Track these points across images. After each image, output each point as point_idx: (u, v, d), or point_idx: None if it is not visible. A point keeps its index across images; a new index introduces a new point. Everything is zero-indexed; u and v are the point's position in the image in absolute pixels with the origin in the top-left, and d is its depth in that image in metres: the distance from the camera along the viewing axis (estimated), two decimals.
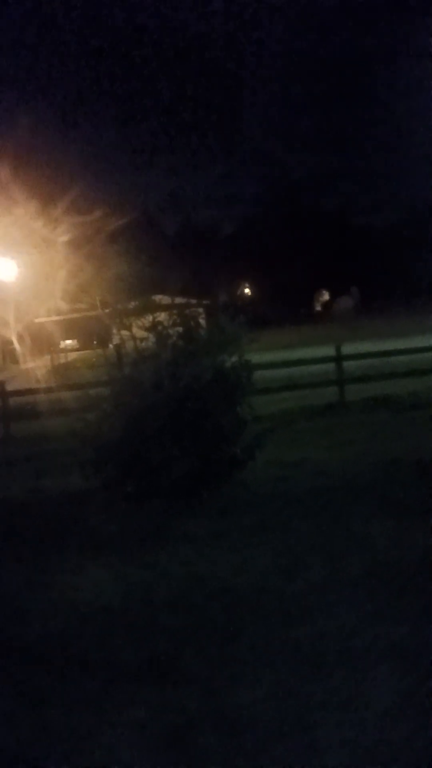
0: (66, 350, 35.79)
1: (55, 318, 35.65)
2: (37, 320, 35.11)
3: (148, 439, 5.71)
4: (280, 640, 3.39)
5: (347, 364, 11.35)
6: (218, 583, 4.15)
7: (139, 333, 7.74)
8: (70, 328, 37.80)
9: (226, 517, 5.33)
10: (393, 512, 5.05)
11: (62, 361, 30.40)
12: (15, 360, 36.89)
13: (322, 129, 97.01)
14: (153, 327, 6.67)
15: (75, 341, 41.46)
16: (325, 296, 71.51)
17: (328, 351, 11.80)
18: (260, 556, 4.49)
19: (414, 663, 3.07)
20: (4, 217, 26.13)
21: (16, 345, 34.14)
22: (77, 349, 39.09)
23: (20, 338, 31.00)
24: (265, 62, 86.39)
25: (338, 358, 11.15)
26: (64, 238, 28.10)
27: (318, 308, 70.23)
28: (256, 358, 6.69)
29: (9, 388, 11.42)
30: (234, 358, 6.23)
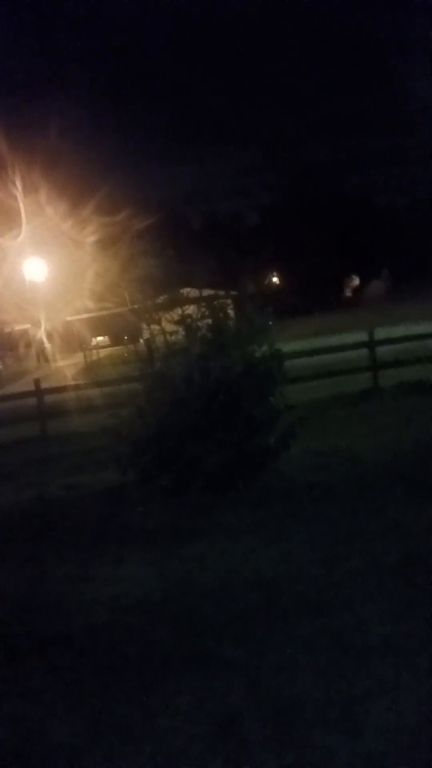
0: (97, 347, 36.15)
1: (85, 316, 36.01)
2: (68, 319, 35.53)
3: (182, 432, 5.74)
4: (321, 629, 3.39)
5: (380, 350, 11.20)
6: (257, 573, 4.17)
7: (168, 327, 7.74)
8: (100, 326, 38.13)
9: (262, 508, 5.33)
10: (430, 499, 4.99)
11: (94, 358, 30.72)
12: (48, 359, 37.45)
13: (341, 112, 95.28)
14: (182, 320, 6.68)
15: (106, 338, 41.80)
16: (356, 281, 70.62)
17: (360, 337, 11.66)
18: (298, 546, 4.48)
19: None
20: (34, 219, 26.44)
21: (48, 344, 34.62)
22: (108, 346, 39.41)
23: (52, 337, 31.41)
24: (282, 50, 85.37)
25: (371, 344, 11.02)
26: (92, 237, 28.31)
27: (348, 294, 69.41)
28: (286, 346, 6.66)
29: (44, 386, 11.60)
30: (264, 348, 6.21)
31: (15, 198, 24.84)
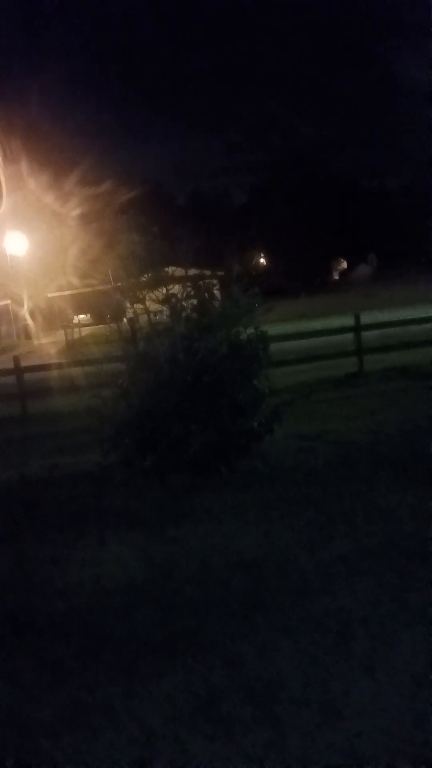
0: (79, 325, 35.77)
1: (67, 293, 35.58)
2: (49, 295, 35.09)
3: (166, 414, 5.67)
4: (302, 612, 3.39)
5: (366, 334, 11.19)
6: (240, 556, 4.15)
7: (152, 306, 7.65)
8: (82, 303, 37.69)
9: (246, 491, 5.30)
10: (414, 482, 5.00)
11: (76, 336, 30.43)
12: (29, 336, 37.00)
13: (329, 93, 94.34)
14: (166, 300, 6.58)
15: (88, 316, 41.37)
16: (343, 264, 70.56)
17: (346, 320, 11.65)
18: (281, 530, 4.47)
19: None
20: (14, 192, 25.92)
21: (29, 321, 34.21)
22: (91, 324, 39.04)
23: (33, 314, 31.04)
24: (270, 28, 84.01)
25: (357, 328, 11.00)
26: (74, 212, 27.87)
27: (335, 277, 69.40)
28: (272, 329, 6.60)
29: (24, 364, 11.44)
30: (250, 330, 6.14)
31: None
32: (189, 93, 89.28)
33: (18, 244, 31.45)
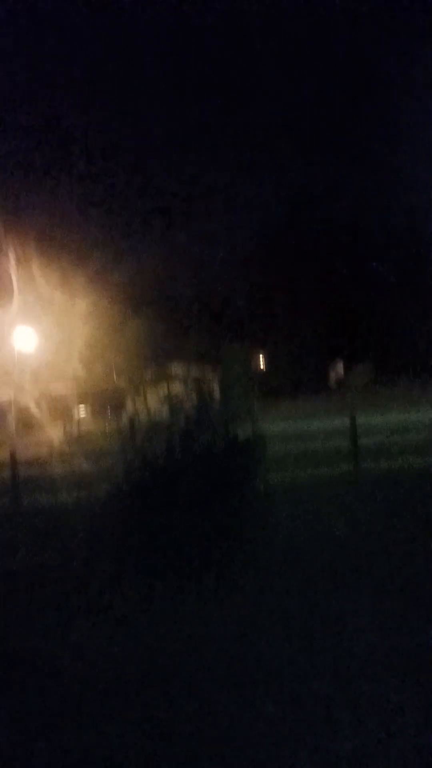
0: (79, 419, 35.89)
1: (70, 386, 36.02)
2: (52, 388, 35.48)
3: (158, 512, 5.56)
4: (295, 718, 3.15)
5: (363, 437, 11.17)
6: (226, 664, 3.91)
7: (153, 402, 7.73)
8: (84, 397, 38.08)
9: (236, 599, 5.10)
10: (399, 594, 4.85)
11: (75, 430, 30.43)
12: (28, 429, 37.03)
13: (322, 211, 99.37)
14: (167, 396, 6.64)
15: (89, 410, 41.63)
16: (340, 366, 71.87)
17: (344, 422, 11.67)
18: (272, 640, 4.26)
19: None
20: (25, 288, 26.95)
21: (30, 414, 34.36)
22: (91, 418, 39.20)
23: (35, 406, 31.26)
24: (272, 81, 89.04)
25: (354, 432, 10.99)
26: (83, 308, 28.81)
27: (333, 378, 70.46)
28: (270, 428, 6.60)
29: (20, 457, 11.34)
30: (248, 429, 6.15)
31: (8, 270, 25.40)
32: (200, 202, 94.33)
33: (26, 339, 32.23)
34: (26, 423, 36.75)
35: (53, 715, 3.61)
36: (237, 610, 4.89)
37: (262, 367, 65.58)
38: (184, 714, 3.46)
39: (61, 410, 37.75)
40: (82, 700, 3.75)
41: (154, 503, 5.59)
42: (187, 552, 5.39)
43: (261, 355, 68.25)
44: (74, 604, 5.33)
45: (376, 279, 64.94)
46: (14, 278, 26.58)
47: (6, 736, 3.44)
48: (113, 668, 4.11)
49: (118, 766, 3.07)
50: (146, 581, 5.47)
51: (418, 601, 4.76)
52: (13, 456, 10.90)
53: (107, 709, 3.62)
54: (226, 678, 3.82)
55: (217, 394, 7.38)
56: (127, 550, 5.66)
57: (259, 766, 2.98)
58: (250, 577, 5.59)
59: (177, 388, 7.08)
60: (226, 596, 5.15)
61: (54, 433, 30.26)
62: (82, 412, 40.69)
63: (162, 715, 3.48)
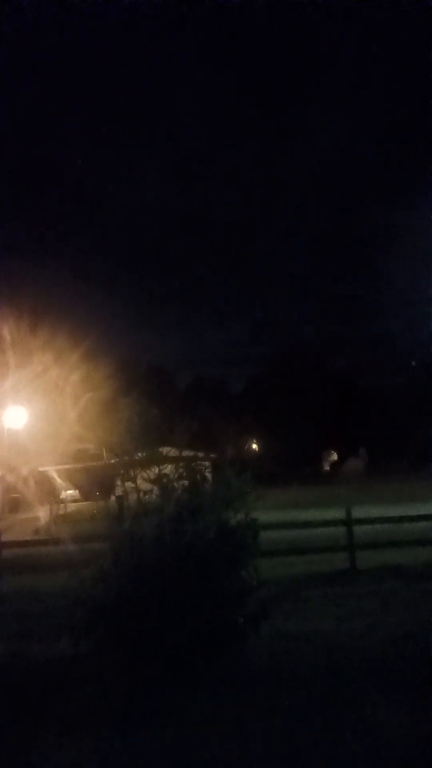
0: (66, 501, 35.14)
1: (59, 467, 35.54)
2: (40, 469, 34.98)
3: (145, 599, 5.32)
4: None
5: (357, 529, 10.94)
6: None
7: (143, 485, 7.59)
8: (73, 478, 37.51)
9: (222, 695, 4.78)
10: (405, 697, 4.56)
11: (62, 511, 29.71)
12: (15, 509, 36.20)
13: (329, 294, 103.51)
14: (158, 479, 6.53)
15: (77, 491, 40.87)
16: (333, 456, 71.67)
17: (337, 513, 11.48)
18: (259, 747, 3.96)
19: None
20: (17, 368, 27.16)
21: (17, 493, 33.72)
22: (78, 500, 38.42)
23: (22, 486, 30.71)
24: (272, 236, 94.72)
25: (348, 522, 10.77)
26: (75, 390, 28.93)
27: (326, 468, 70.06)
28: (263, 516, 6.45)
29: (4, 538, 11.02)
30: (240, 515, 6.00)
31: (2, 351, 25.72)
32: (196, 290, 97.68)
33: (17, 418, 32.10)
34: (13, 502, 35.99)
35: None
36: (225, 706, 4.56)
37: (256, 453, 65.25)
38: None
39: (49, 490, 37.08)
40: None
41: (141, 589, 5.36)
42: (172, 641, 5.12)
43: (255, 442, 68.11)
44: (52, 697, 5.00)
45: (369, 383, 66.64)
46: (6, 357, 26.87)
47: None
48: None
49: None
50: (126, 676, 5.16)
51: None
52: None
53: None
54: None
55: (210, 479, 7.27)
56: (110, 641, 5.38)
57: None
58: (238, 670, 5.28)
59: (169, 470, 6.98)
60: (212, 689, 4.84)
61: (41, 513, 29.57)
62: (70, 491, 39.96)
63: None
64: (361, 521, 11.29)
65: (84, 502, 35.61)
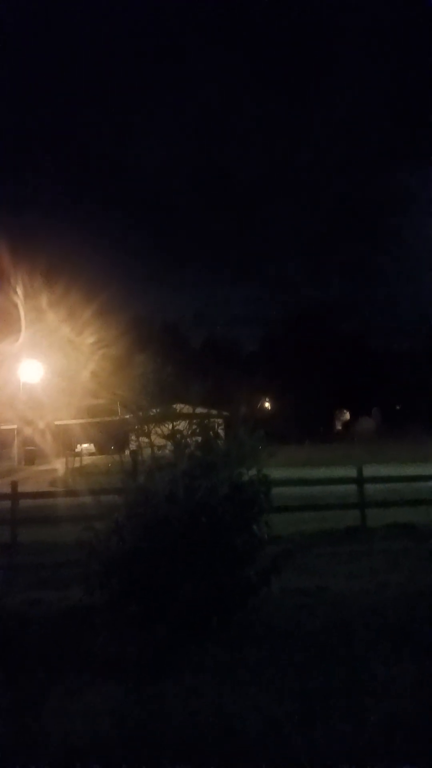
0: (82, 454, 35.69)
1: (74, 421, 35.95)
2: (56, 423, 35.41)
3: (158, 554, 5.41)
4: None
5: (369, 487, 11.01)
6: (224, 723, 3.73)
7: (157, 441, 7.65)
8: (88, 432, 37.97)
9: (235, 650, 4.89)
10: (415, 654, 4.63)
11: (77, 465, 30.23)
12: (31, 461, 36.86)
13: (343, 256, 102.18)
14: (172, 435, 6.56)
15: (92, 445, 41.45)
16: (346, 416, 71.68)
17: (349, 472, 11.53)
18: (270, 698, 4.05)
19: None
20: (33, 323, 27.19)
21: (33, 446, 34.23)
22: (93, 454, 38.99)
23: (38, 440, 31.17)
24: (288, 198, 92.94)
25: (360, 481, 10.84)
26: (90, 345, 28.98)
27: (338, 427, 70.16)
28: (275, 473, 6.49)
29: (21, 489, 11.22)
30: (252, 472, 6.03)
31: (16, 305, 25.71)
32: (211, 250, 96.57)
33: (33, 372, 32.34)
34: (30, 454, 36.61)
35: None
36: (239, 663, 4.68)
37: (269, 411, 65.42)
38: None
39: (64, 443, 37.62)
40: None
41: (154, 543, 5.45)
42: (185, 595, 5.23)
43: (268, 401, 68.22)
44: (68, 645, 5.15)
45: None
46: (22, 312, 26.87)
47: None
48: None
49: None
50: (141, 629, 5.29)
51: None
52: (14, 487, 10.78)
53: None
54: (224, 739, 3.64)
55: (222, 436, 7.29)
56: (123, 594, 5.49)
57: None
58: (250, 625, 5.40)
59: (182, 427, 7.00)
60: (225, 644, 4.96)
61: (57, 466, 30.06)
62: (86, 445, 40.51)
63: None
64: (372, 480, 11.35)
65: (98, 456, 36.14)
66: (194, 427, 6.98)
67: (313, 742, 3.49)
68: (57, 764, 3.39)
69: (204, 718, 3.83)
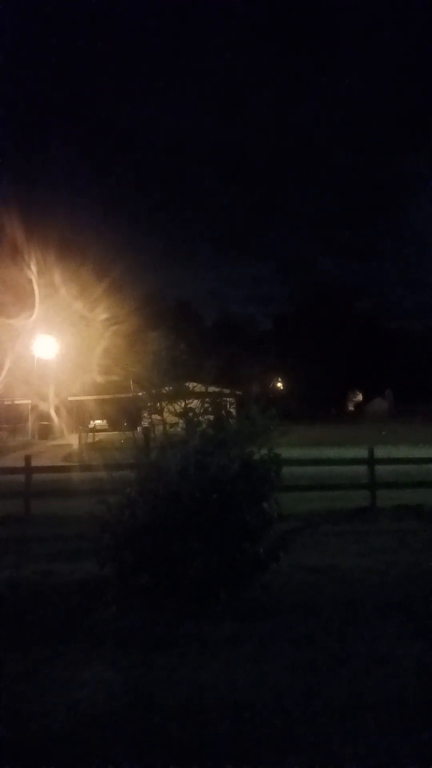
0: (95, 429, 35.97)
1: (87, 397, 36.18)
2: (70, 398, 35.66)
3: (170, 529, 5.49)
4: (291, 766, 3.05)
5: (379, 469, 11.03)
6: (229, 696, 3.82)
7: (169, 418, 7.75)
8: (101, 408, 38.22)
9: (243, 624, 4.98)
10: (422, 632, 4.68)
11: (90, 440, 30.51)
12: (45, 436, 37.21)
13: (358, 235, 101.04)
14: (184, 413, 6.60)
15: (105, 421, 41.76)
16: (359, 396, 71.41)
17: (360, 452, 11.54)
18: (277, 671, 4.14)
19: None
20: (47, 299, 27.25)
21: (47, 421, 34.54)
22: (106, 429, 39.28)
23: (52, 415, 31.42)
24: (302, 177, 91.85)
25: (371, 462, 10.85)
26: (104, 322, 29.02)
27: (351, 408, 69.97)
28: (285, 452, 6.52)
29: (35, 464, 11.37)
30: (263, 451, 6.07)
31: (30, 280, 25.73)
32: (225, 228, 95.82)
33: (47, 347, 32.50)
34: (44, 429, 36.94)
35: None
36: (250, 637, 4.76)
37: (281, 391, 65.36)
38: None
39: (77, 418, 37.87)
40: None
41: (165, 518, 5.53)
42: (195, 569, 5.31)
43: (280, 380, 68.14)
44: (79, 616, 5.27)
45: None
46: (36, 287, 26.92)
47: None
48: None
49: None
50: (151, 601, 5.40)
51: None
52: (28, 461, 10.93)
53: None
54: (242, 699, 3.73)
55: (234, 414, 7.33)
56: (134, 567, 5.59)
57: None
58: (259, 600, 5.49)
59: (195, 404, 7.04)
60: (233, 618, 5.06)
61: (70, 440, 30.35)
62: (98, 421, 40.79)
63: None
64: (383, 461, 11.37)
65: (111, 432, 36.38)
66: (206, 405, 7.01)
67: (315, 714, 3.57)
68: (65, 733, 3.49)
69: (211, 688, 3.92)
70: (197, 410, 6.76)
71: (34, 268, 26.43)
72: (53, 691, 3.95)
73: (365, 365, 66.52)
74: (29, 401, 35.99)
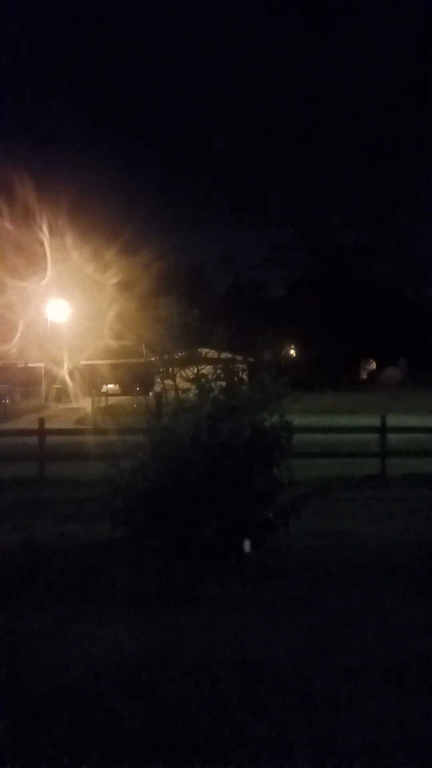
0: (107, 394, 36.21)
1: (100, 362, 36.29)
2: (82, 362, 35.79)
3: (181, 493, 5.57)
4: (300, 727, 3.14)
5: (390, 437, 11.04)
6: (239, 655, 3.92)
7: (182, 384, 7.76)
8: (114, 373, 38.36)
9: (254, 585, 5.08)
10: (428, 599, 4.75)
11: (103, 404, 30.74)
12: (58, 399, 37.55)
13: (373, 202, 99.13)
14: (196, 379, 6.62)
15: (117, 386, 42.00)
16: (372, 365, 71.03)
17: (372, 420, 11.55)
18: (286, 632, 4.23)
19: None
20: (58, 262, 27.12)
21: (59, 384, 34.79)
22: (119, 394, 39.52)
23: (64, 378, 31.59)
24: (321, 143, 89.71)
25: (382, 430, 10.87)
26: (116, 286, 28.88)
27: (364, 376, 69.70)
28: (297, 420, 6.54)
29: (48, 426, 11.49)
30: (275, 418, 6.10)
31: (42, 242, 25.57)
32: (241, 192, 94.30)
33: (59, 311, 32.52)
34: (57, 392, 37.24)
35: None
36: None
37: (294, 358, 65.16)
38: None
39: (90, 382, 38.08)
40: None
41: (177, 482, 5.60)
42: (206, 532, 5.40)
43: (293, 347, 67.87)
44: (93, 576, 5.40)
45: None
46: (48, 251, 26.78)
47: None
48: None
49: None
50: (162, 562, 5.50)
51: None
52: (41, 423, 11.05)
53: None
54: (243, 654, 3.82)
55: (246, 381, 7.34)
56: (147, 529, 5.70)
57: None
58: (269, 563, 5.58)
59: (207, 371, 7.05)
60: (243, 580, 5.16)
61: (83, 404, 30.60)
62: (111, 385, 41.00)
63: None
64: (394, 429, 11.37)
65: (124, 397, 36.60)
66: (219, 371, 7.02)
67: (323, 674, 3.67)
68: (79, 688, 3.60)
69: (220, 648, 4.03)
70: (210, 376, 6.77)
71: (45, 230, 26.25)
72: (67, 647, 4.07)
73: (379, 333, 66.02)
74: (42, 364, 36.22)
